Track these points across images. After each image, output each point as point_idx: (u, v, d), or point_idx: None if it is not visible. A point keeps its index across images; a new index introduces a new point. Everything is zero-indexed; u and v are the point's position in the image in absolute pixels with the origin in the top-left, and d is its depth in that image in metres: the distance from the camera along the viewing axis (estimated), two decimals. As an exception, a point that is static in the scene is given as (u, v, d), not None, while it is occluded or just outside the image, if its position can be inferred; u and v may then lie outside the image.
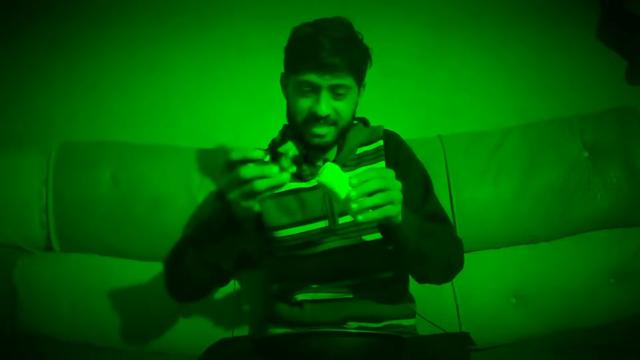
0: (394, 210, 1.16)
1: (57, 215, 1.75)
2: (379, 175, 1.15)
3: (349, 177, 1.13)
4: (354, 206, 1.12)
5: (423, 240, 1.28)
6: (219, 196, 1.50)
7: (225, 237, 1.24)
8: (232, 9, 2.02)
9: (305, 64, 1.34)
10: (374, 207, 1.13)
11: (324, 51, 1.32)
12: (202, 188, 1.76)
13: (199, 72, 2.03)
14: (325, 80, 1.34)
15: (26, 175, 1.77)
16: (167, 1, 2.03)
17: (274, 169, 1.11)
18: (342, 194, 1.13)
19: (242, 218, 1.20)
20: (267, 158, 1.12)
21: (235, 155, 1.11)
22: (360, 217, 1.13)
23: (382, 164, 1.47)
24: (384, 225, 1.25)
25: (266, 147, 1.56)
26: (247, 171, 1.10)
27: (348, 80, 1.36)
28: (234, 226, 1.22)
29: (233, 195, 1.13)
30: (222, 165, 1.15)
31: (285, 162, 1.13)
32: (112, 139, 1.89)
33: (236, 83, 2.03)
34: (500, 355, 1.64)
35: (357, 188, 1.12)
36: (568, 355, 1.53)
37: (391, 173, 1.17)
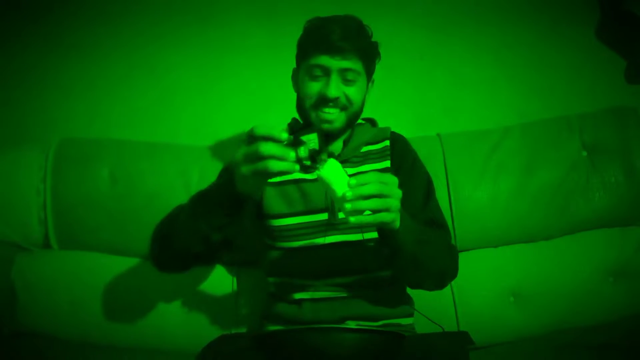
0: (388, 218, 1.16)
1: (55, 212, 1.75)
2: (380, 180, 1.14)
3: (349, 177, 1.13)
4: (348, 206, 1.11)
5: (419, 248, 1.28)
6: (224, 172, 1.51)
7: (221, 208, 1.22)
8: (232, 8, 2.02)
9: (316, 47, 1.37)
10: (370, 210, 1.13)
11: (334, 35, 1.35)
12: (200, 186, 1.75)
13: (199, 70, 2.02)
14: (335, 62, 1.36)
15: (25, 172, 1.77)
16: (167, 0, 2.02)
17: (292, 154, 1.09)
18: (339, 192, 1.13)
19: (244, 195, 1.18)
20: (286, 137, 1.10)
21: (259, 131, 1.09)
22: (352, 219, 1.12)
23: (387, 163, 1.48)
24: (381, 229, 1.25)
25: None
26: (267, 148, 1.07)
27: (357, 65, 1.38)
28: (233, 201, 1.20)
29: (245, 169, 1.11)
30: (244, 137, 1.12)
31: (303, 152, 1.12)
32: (111, 136, 1.89)
33: (236, 82, 2.02)
34: (499, 354, 1.64)
35: (354, 189, 1.12)
36: (567, 354, 1.53)
37: (393, 180, 1.16)
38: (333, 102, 1.38)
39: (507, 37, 2.03)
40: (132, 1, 2.01)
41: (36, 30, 2.01)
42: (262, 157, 1.08)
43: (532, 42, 2.03)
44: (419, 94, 2.02)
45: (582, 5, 2.03)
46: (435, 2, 2.02)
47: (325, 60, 1.36)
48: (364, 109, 1.47)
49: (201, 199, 1.27)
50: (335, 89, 1.37)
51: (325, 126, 1.40)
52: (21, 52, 2.01)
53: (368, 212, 1.13)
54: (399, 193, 1.17)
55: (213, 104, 2.03)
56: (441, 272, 1.42)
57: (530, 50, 2.03)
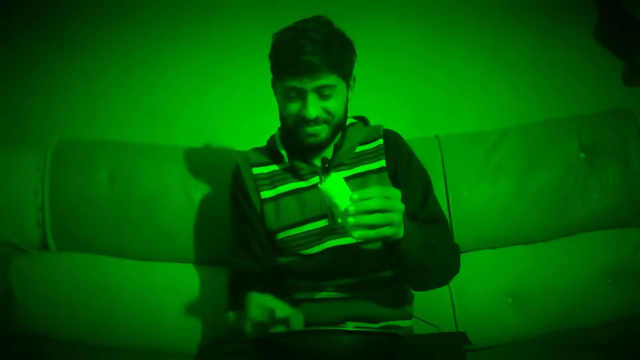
0: (390, 232, 1.16)
1: (53, 214, 1.74)
2: (382, 194, 1.15)
3: (352, 192, 1.14)
4: (351, 220, 1.12)
5: (424, 253, 1.29)
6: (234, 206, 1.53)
7: None
8: (231, 9, 2.03)
9: (286, 71, 1.36)
10: (372, 226, 1.14)
11: (303, 55, 1.32)
12: (199, 187, 1.76)
13: (199, 71, 2.03)
14: (306, 84, 1.34)
15: (22, 173, 1.76)
16: (166, 1, 2.02)
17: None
18: (342, 206, 1.14)
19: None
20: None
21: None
22: (355, 234, 1.13)
23: (382, 162, 1.47)
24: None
25: (264, 144, 1.56)
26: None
27: (331, 79, 1.36)
28: None
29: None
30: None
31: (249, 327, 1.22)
32: (110, 138, 1.89)
33: (235, 83, 2.03)
34: (497, 355, 1.64)
35: (356, 204, 1.12)
36: (565, 355, 1.53)
37: (396, 193, 1.17)
38: (313, 121, 1.37)
39: (506, 38, 2.03)
40: (131, 2, 2.02)
41: (34, 31, 2.01)
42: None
43: (531, 43, 2.04)
44: (417, 95, 2.02)
45: (581, 6, 2.04)
46: (434, 2, 2.02)
47: (297, 83, 1.34)
48: (358, 108, 1.47)
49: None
50: (313, 109, 1.36)
51: (311, 140, 1.40)
52: (19, 53, 2.01)
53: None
54: (401, 207, 1.17)
55: (212, 105, 2.03)
56: (446, 273, 1.43)
57: (529, 51, 2.03)
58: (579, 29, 2.04)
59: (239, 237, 1.49)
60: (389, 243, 1.24)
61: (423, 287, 1.46)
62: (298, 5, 1.89)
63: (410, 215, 1.38)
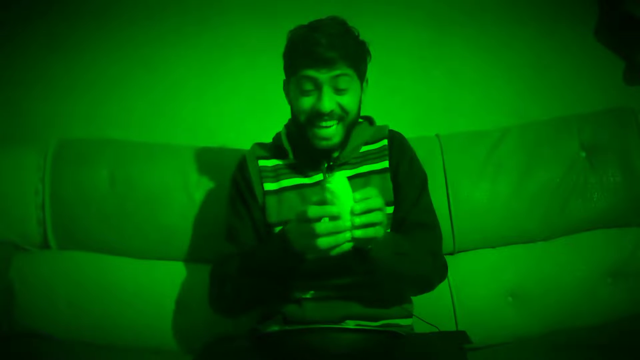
0: (381, 232, 1.19)
1: (54, 212, 1.74)
2: (379, 194, 1.17)
3: (354, 192, 1.17)
4: (356, 220, 1.14)
5: (397, 261, 1.29)
6: (234, 192, 1.51)
7: (282, 269, 1.30)
8: (232, 9, 2.03)
9: (303, 62, 1.35)
10: (370, 225, 1.16)
11: (320, 46, 1.32)
12: (199, 187, 1.76)
13: (199, 71, 2.03)
14: (323, 74, 1.33)
15: (23, 172, 1.76)
16: (166, 1, 2.03)
17: (347, 223, 1.14)
18: (347, 205, 1.15)
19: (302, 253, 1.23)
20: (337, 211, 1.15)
21: (312, 213, 1.14)
22: (357, 233, 1.15)
23: (386, 163, 1.47)
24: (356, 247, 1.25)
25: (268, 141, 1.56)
26: (322, 227, 1.14)
27: (348, 72, 1.35)
28: (291, 258, 1.26)
29: (303, 243, 1.19)
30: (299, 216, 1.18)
31: None
32: (110, 137, 1.89)
33: (235, 82, 2.03)
34: (497, 354, 1.63)
35: (361, 203, 1.14)
36: (565, 354, 1.53)
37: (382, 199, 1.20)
38: (328, 115, 1.36)
39: (506, 37, 2.03)
40: (131, 2, 2.02)
41: (35, 30, 2.01)
42: (317, 235, 1.14)
43: (532, 42, 2.04)
44: (418, 94, 2.03)
45: (582, 6, 2.04)
46: (435, 2, 2.02)
47: (313, 73, 1.33)
48: (362, 109, 1.47)
49: (266, 272, 1.33)
50: (328, 102, 1.34)
51: (324, 144, 1.39)
52: (20, 52, 2.01)
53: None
54: (386, 209, 1.21)
55: (212, 105, 2.03)
56: (425, 281, 1.43)
57: (530, 50, 2.03)
58: (579, 28, 2.04)
59: (235, 226, 1.48)
60: (360, 250, 1.24)
61: (401, 295, 1.46)
62: (299, 5, 1.90)
63: (400, 218, 1.41)
